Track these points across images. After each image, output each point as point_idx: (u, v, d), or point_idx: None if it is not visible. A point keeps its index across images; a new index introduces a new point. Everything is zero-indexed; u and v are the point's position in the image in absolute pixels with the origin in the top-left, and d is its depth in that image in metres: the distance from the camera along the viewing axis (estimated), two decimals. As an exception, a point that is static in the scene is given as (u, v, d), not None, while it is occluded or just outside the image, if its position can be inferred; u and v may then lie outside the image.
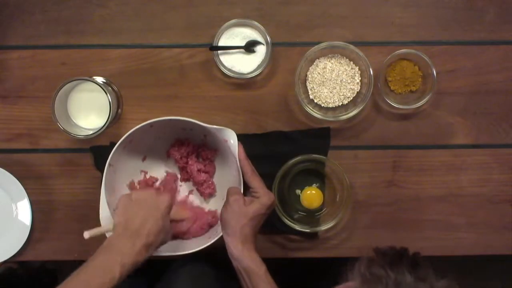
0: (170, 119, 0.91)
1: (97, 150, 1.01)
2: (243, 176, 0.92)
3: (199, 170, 0.99)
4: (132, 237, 0.81)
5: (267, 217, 0.93)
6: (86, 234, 0.84)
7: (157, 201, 0.86)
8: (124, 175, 0.97)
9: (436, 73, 0.97)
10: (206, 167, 1.00)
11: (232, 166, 0.95)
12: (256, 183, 0.92)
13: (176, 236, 0.97)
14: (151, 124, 0.90)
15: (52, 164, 1.02)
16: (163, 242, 0.87)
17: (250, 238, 0.89)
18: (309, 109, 0.97)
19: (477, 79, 1.02)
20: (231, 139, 0.93)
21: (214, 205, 1.01)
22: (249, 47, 0.99)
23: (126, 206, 0.86)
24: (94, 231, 0.85)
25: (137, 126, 0.90)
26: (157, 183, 1.01)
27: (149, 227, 0.83)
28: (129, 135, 0.90)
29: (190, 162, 0.99)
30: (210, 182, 1.00)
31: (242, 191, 0.92)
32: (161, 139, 0.98)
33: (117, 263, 0.78)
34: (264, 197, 0.90)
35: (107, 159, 0.91)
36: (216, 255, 0.92)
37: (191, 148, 0.99)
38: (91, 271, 0.78)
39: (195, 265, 1.00)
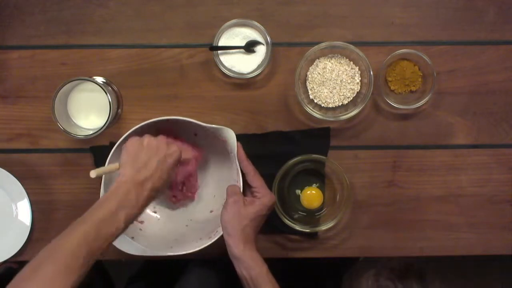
0: (168, 119, 0.91)
1: (97, 150, 1.01)
2: (245, 176, 0.92)
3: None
4: (139, 187, 0.81)
5: (267, 218, 0.93)
6: (93, 173, 0.83)
7: (168, 151, 0.86)
8: None
9: (436, 73, 0.97)
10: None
11: (231, 165, 0.95)
12: (259, 183, 0.92)
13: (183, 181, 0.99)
14: (148, 125, 0.90)
15: (52, 164, 1.02)
16: (161, 194, 0.88)
17: (252, 238, 0.89)
18: (309, 109, 0.97)
19: (477, 79, 1.02)
20: (230, 138, 0.93)
21: (214, 205, 1.01)
22: (249, 47, 0.99)
23: (136, 149, 0.85)
24: (101, 170, 0.84)
25: (134, 127, 0.90)
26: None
27: (158, 176, 0.83)
28: (127, 136, 0.90)
29: None
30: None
31: (241, 190, 0.92)
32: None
33: (122, 214, 0.78)
34: (265, 197, 0.91)
35: (107, 159, 0.91)
36: (224, 259, 0.92)
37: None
38: (99, 219, 0.77)
39: (203, 268, 1.00)
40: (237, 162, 0.92)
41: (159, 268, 1.17)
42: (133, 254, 0.93)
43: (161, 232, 1.00)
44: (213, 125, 0.92)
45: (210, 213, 1.01)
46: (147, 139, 0.86)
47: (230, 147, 0.93)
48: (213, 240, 0.92)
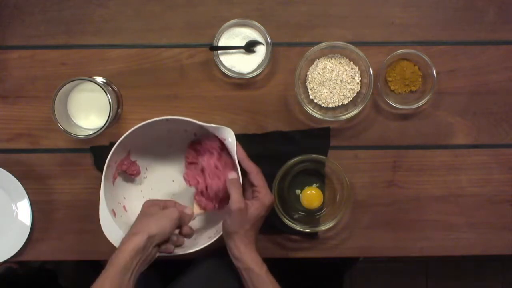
0: (168, 119, 0.91)
1: (97, 150, 1.01)
2: (248, 175, 0.92)
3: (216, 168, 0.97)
4: (143, 235, 0.83)
5: (266, 218, 0.93)
6: None
7: (167, 212, 0.89)
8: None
9: (436, 73, 0.97)
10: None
11: (231, 165, 0.95)
12: (261, 182, 0.92)
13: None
14: (149, 124, 0.90)
15: (52, 164, 1.02)
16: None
17: (252, 240, 0.89)
18: (309, 109, 0.97)
19: (477, 79, 1.02)
20: (229, 137, 0.93)
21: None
22: (249, 47, 0.99)
23: (139, 218, 0.90)
24: None
25: (133, 128, 0.90)
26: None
27: (158, 228, 0.85)
28: (126, 136, 0.90)
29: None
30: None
31: (241, 189, 0.91)
32: (159, 138, 0.98)
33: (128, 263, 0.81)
34: (265, 198, 0.91)
35: (106, 159, 0.91)
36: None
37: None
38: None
39: (210, 261, 1.00)
40: (237, 163, 0.92)
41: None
42: None
43: None
44: (213, 125, 0.92)
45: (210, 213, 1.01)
46: (146, 206, 0.92)
47: (230, 147, 0.93)
48: (212, 240, 0.92)
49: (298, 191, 1.03)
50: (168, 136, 0.97)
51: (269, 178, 0.96)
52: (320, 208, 1.03)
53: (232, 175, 0.91)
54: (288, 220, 0.99)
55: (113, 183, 0.96)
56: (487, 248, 1.04)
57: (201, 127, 0.92)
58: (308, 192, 1.02)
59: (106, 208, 0.91)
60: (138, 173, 1.00)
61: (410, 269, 1.79)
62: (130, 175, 0.99)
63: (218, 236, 0.91)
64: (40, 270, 1.41)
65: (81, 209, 1.02)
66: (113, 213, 0.93)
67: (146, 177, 1.01)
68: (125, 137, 0.90)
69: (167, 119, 0.91)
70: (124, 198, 0.98)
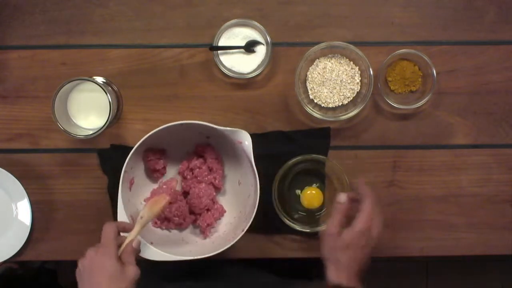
0: (182, 123, 0.89)
1: (102, 153, 1.00)
2: (360, 197, 0.88)
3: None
4: None
5: (269, 219, 0.90)
6: None
7: (121, 272, 0.79)
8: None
9: (436, 73, 0.97)
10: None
11: (246, 167, 0.94)
12: (368, 208, 0.86)
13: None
14: (167, 129, 0.89)
15: (52, 164, 1.02)
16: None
17: (345, 269, 0.86)
18: (309, 109, 0.97)
19: (477, 79, 1.02)
20: (246, 140, 0.91)
21: (228, 209, 1.00)
22: (249, 47, 0.99)
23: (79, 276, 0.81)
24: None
25: (150, 133, 0.88)
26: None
27: None
28: (142, 142, 0.88)
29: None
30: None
31: (258, 195, 0.89)
32: (173, 139, 0.96)
33: None
34: (360, 223, 0.85)
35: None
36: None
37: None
38: None
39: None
40: (253, 165, 0.90)
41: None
42: (152, 259, 0.89)
43: (177, 236, 0.99)
44: (228, 128, 0.91)
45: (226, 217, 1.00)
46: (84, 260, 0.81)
47: (245, 149, 0.92)
48: (231, 243, 0.89)
49: (298, 191, 1.03)
50: (182, 138, 0.96)
51: (269, 178, 0.96)
52: (320, 208, 1.03)
53: (340, 198, 0.89)
54: (288, 220, 0.99)
55: (130, 189, 0.94)
56: (487, 248, 1.04)
57: (215, 130, 0.91)
58: (308, 192, 1.02)
59: (124, 215, 0.89)
60: (165, 166, 0.99)
61: (410, 269, 1.79)
62: (158, 171, 0.99)
63: (237, 239, 0.89)
64: (40, 270, 1.41)
65: (81, 209, 1.03)
66: (131, 218, 0.91)
67: (161, 181, 1.00)
68: (139, 145, 0.89)
69: (181, 124, 0.89)
70: (141, 203, 0.97)
